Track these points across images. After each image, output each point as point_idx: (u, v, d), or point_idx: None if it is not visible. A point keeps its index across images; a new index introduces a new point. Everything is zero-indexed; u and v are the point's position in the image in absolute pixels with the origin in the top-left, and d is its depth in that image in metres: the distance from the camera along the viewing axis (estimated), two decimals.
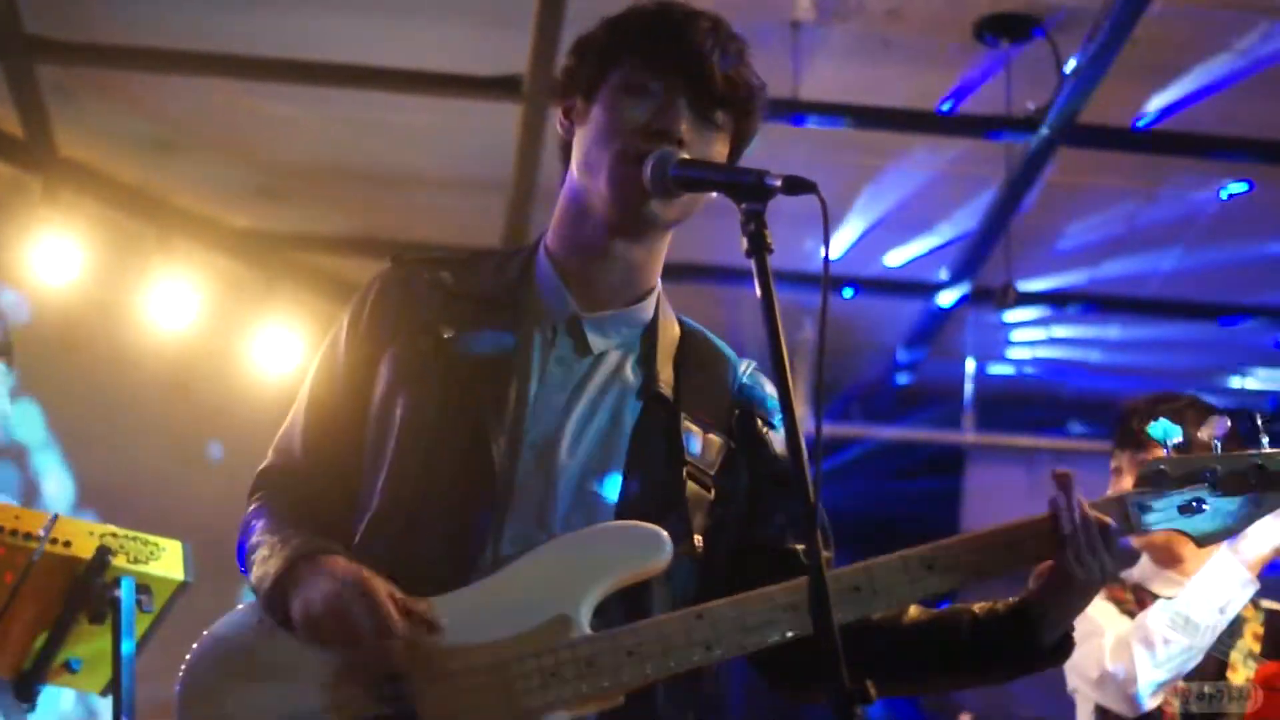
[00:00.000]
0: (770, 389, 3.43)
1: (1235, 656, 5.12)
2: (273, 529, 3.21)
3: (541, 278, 3.34)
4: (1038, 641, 3.26)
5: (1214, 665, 5.11)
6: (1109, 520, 3.18)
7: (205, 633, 3.15)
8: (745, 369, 3.46)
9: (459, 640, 3.04)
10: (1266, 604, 5.27)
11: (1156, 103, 8.07)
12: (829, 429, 10.84)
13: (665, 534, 3.10)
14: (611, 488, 3.19)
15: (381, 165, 8.98)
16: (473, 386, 3.19)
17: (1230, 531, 3.27)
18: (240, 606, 3.18)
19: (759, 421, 3.40)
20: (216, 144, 8.86)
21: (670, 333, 3.41)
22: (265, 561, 3.13)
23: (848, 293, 9.98)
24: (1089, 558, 3.16)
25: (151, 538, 4.26)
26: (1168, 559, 5.26)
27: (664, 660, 3.05)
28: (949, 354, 10.72)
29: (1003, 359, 11.01)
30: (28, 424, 8.64)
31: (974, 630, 3.30)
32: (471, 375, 3.21)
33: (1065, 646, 3.29)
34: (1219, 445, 3.25)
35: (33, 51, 7.80)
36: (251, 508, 3.34)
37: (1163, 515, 3.26)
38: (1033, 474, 11.31)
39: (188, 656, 3.12)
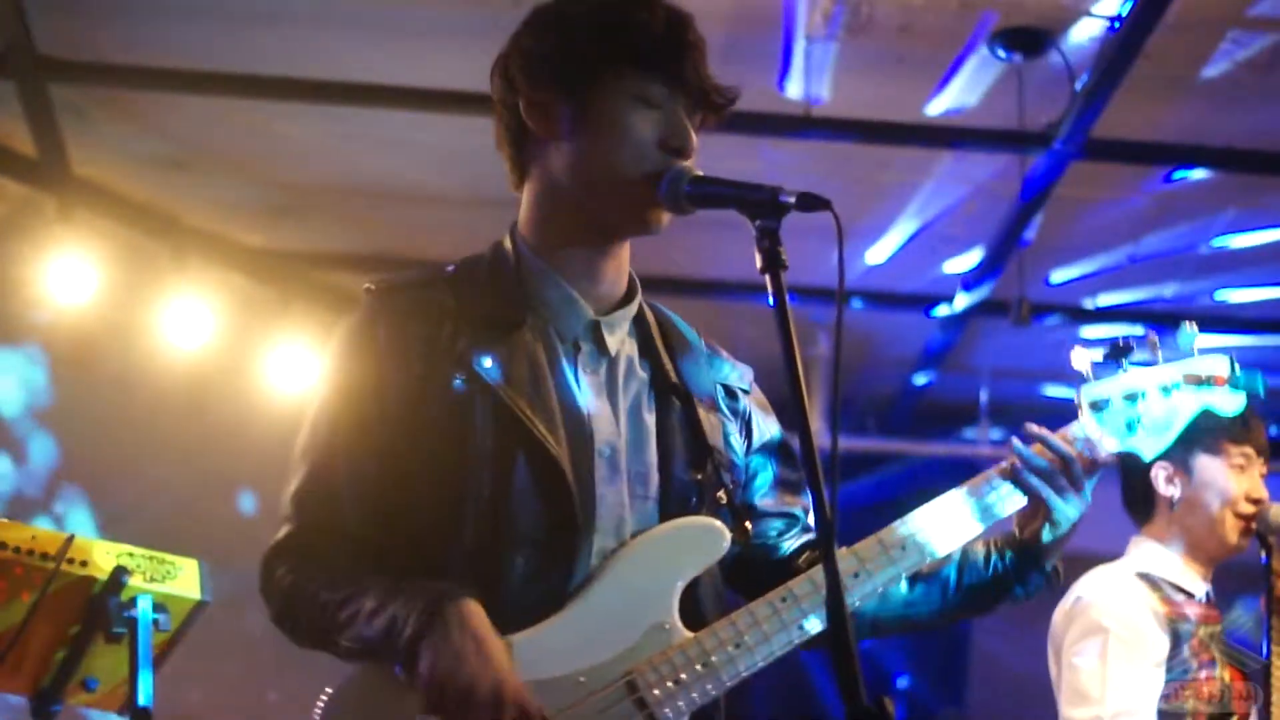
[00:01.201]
0: (728, 364, 3.55)
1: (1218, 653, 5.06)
2: (356, 581, 3.12)
3: (546, 286, 3.34)
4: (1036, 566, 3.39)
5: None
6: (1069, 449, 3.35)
7: (327, 698, 3.12)
8: (706, 339, 3.56)
9: (579, 664, 3.09)
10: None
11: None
12: (845, 444, 10.83)
13: (721, 525, 3.23)
14: (654, 485, 3.27)
15: (395, 183, 8.99)
16: (520, 408, 3.17)
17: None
18: (356, 678, 3.14)
19: (738, 393, 3.51)
20: (230, 163, 8.87)
21: (649, 320, 3.47)
22: (381, 613, 3.03)
23: (857, 304, 9.99)
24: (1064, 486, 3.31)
25: (168, 557, 4.27)
26: None
27: (768, 645, 3.15)
28: (964, 368, 10.72)
29: (1018, 372, 10.99)
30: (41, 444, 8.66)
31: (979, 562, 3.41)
32: (515, 397, 3.19)
33: (1054, 580, 3.43)
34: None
35: (46, 72, 7.81)
36: (281, 569, 3.22)
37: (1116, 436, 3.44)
38: None
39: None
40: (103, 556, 4.19)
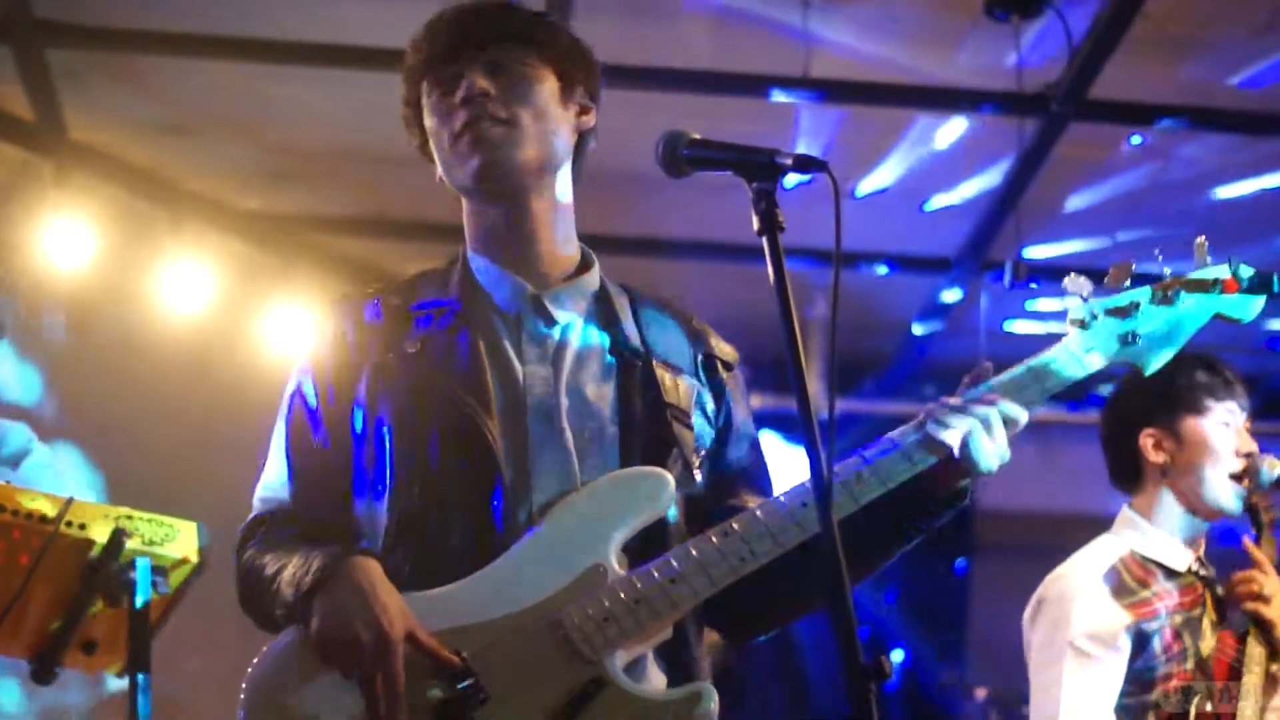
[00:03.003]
0: (715, 338, 3.61)
1: (1205, 625, 5.02)
2: (290, 551, 3.28)
3: (482, 275, 3.50)
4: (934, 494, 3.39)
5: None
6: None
7: (257, 658, 3.23)
8: (695, 319, 3.63)
9: (506, 609, 3.15)
10: (1205, 573, 5.12)
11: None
12: (842, 405, 10.84)
13: (667, 474, 3.28)
14: (611, 441, 3.34)
15: (394, 147, 8.88)
16: (450, 384, 3.31)
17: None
18: (277, 638, 3.25)
19: (719, 365, 3.57)
20: (228, 127, 8.87)
21: (619, 296, 3.56)
22: (296, 576, 3.19)
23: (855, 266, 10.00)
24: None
25: (166, 519, 4.28)
26: None
27: (705, 578, 3.19)
28: (961, 329, 10.71)
29: (1014, 334, 10.99)
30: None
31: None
32: (447, 374, 3.33)
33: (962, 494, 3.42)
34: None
35: (43, 35, 7.81)
36: (246, 554, 3.40)
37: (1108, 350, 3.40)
38: (1045, 449, 11.30)
39: (245, 683, 3.21)
40: (101, 519, 4.19)
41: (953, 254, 9.96)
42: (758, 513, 3.23)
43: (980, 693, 10.31)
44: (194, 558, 4.30)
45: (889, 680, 2.65)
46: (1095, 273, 3.43)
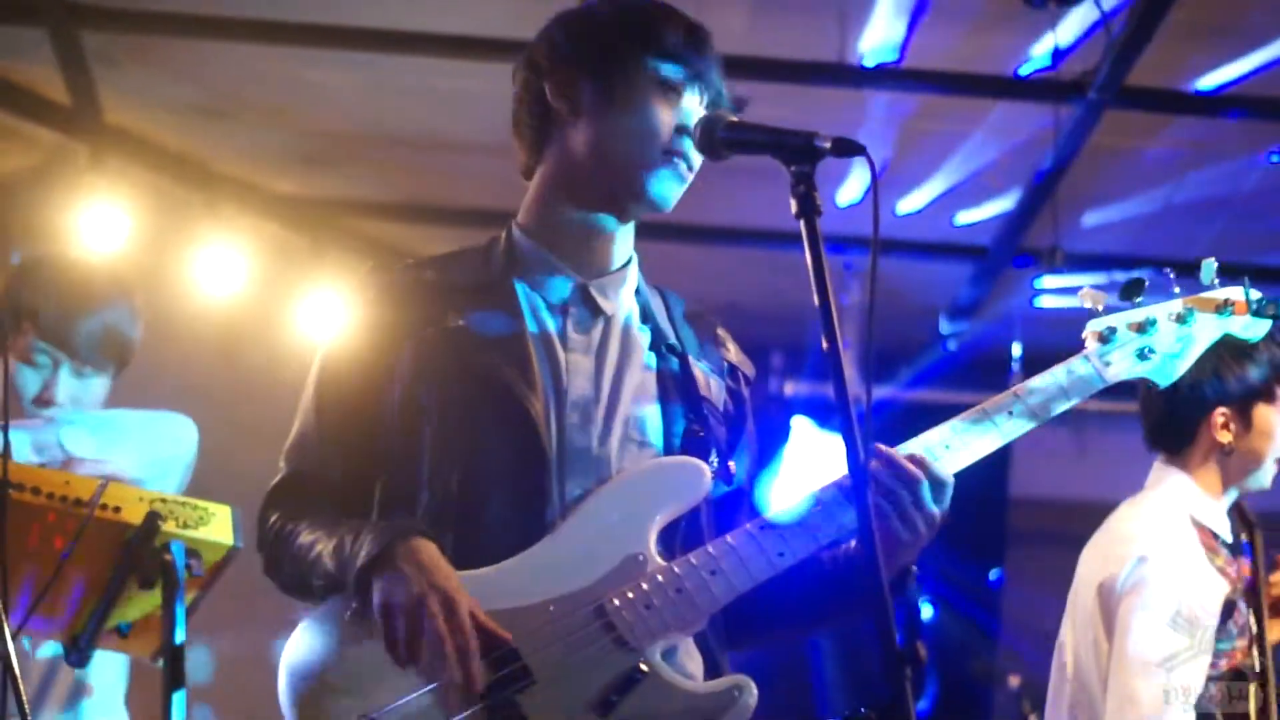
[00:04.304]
0: (735, 349, 3.64)
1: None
2: (331, 524, 3.27)
3: (531, 258, 3.47)
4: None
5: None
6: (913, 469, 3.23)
7: (293, 638, 3.22)
8: (719, 326, 3.66)
9: (548, 594, 3.15)
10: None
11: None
12: (877, 392, 10.82)
13: (703, 464, 3.29)
14: (654, 433, 3.35)
15: (426, 131, 8.98)
16: (495, 362, 3.30)
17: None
18: (318, 609, 3.24)
19: (741, 376, 3.60)
20: (262, 110, 8.87)
21: (655, 294, 3.58)
22: (340, 551, 3.16)
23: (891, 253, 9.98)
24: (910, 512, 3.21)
25: (200, 503, 4.27)
26: None
27: (745, 572, 3.20)
28: (997, 317, 10.69)
29: (1050, 319, 10.96)
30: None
31: (832, 571, 3.38)
32: (490, 353, 3.31)
33: (902, 583, 3.31)
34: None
35: (78, 19, 7.82)
36: (274, 517, 3.40)
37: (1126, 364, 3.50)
38: (1081, 438, 11.28)
39: (285, 656, 3.20)
40: (136, 503, 4.19)
41: (988, 241, 9.93)
42: (790, 511, 3.24)
43: (1014, 681, 10.27)
44: (228, 541, 4.29)
45: (924, 666, 2.65)
46: (1110, 285, 3.50)
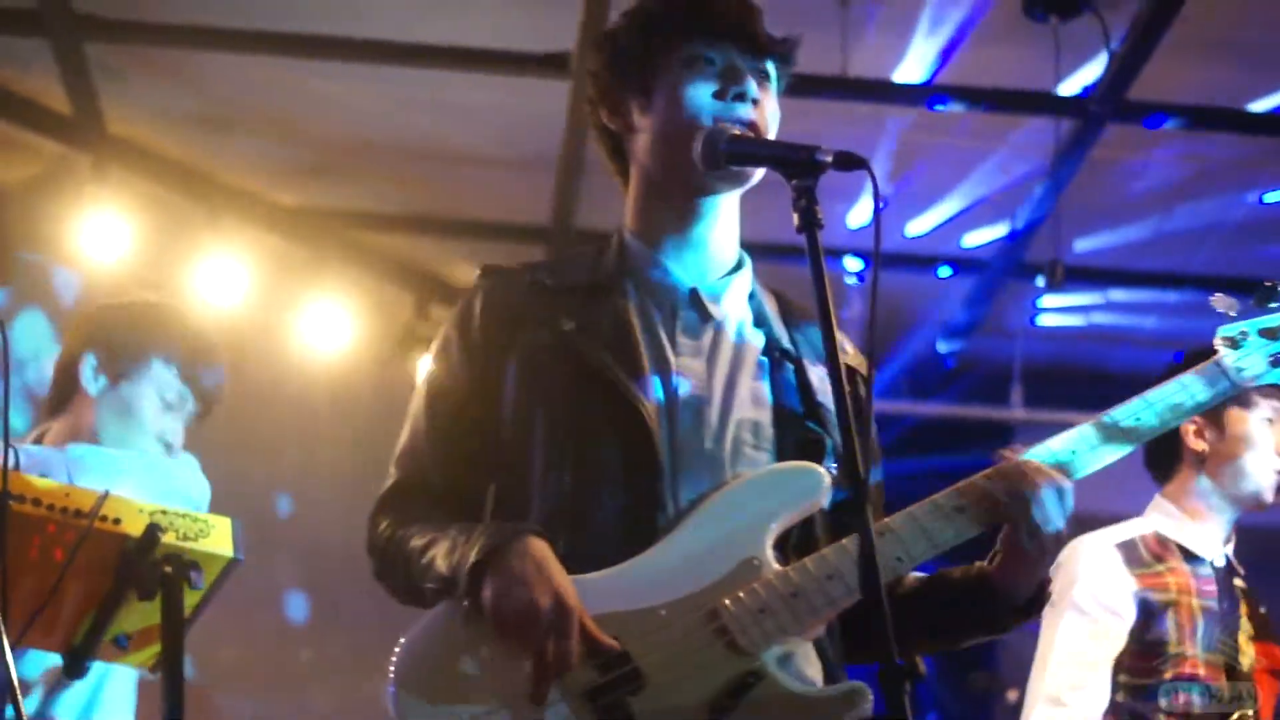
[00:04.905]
0: (853, 349, 3.60)
1: (1242, 639, 5.05)
2: (442, 528, 3.26)
3: (642, 262, 3.45)
4: (1010, 603, 3.33)
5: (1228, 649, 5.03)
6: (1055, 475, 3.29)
7: (405, 642, 3.21)
8: (831, 323, 3.59)
9: (661, 598, 3.13)
10: (1238, 582, 5.17)
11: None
12: (877, 405, 10.82)
13: (821, 469, 3.25)
14: (768, 439, 3.32)
15: (431, 142, 8.99)
16: (605, 364, 3.28)
17: None
18: (430, 613, 3.24)
19: (859, 378, 3.56)
20: (265, 121, 8.88)
21: (769, 296, 3.56)
22: (452, 552, 3.16)
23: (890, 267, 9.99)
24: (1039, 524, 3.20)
25: (201, 515, 4.27)
26: None
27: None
28: (997, 330, 10.69)
29: (1051, 335, 10.97)
30: None
31: (953, 593, 3.38)
32: (601, 355, 3.29)
33: (1040, 600, 3.34)
34: None
35: (81, 29, 7.84)
36: (384, 523, 3.40)
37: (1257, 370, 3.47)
38: None
39: (397, 654, 3.19)
40: (136, 514, 4.18)
41: (987, 255, 9.94)
42: (914, 513, 3.22)
43: (1012, 695, 10.26)
44: (228, 553, 4.29)
45: (923, 680, 2.65)
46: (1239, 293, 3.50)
